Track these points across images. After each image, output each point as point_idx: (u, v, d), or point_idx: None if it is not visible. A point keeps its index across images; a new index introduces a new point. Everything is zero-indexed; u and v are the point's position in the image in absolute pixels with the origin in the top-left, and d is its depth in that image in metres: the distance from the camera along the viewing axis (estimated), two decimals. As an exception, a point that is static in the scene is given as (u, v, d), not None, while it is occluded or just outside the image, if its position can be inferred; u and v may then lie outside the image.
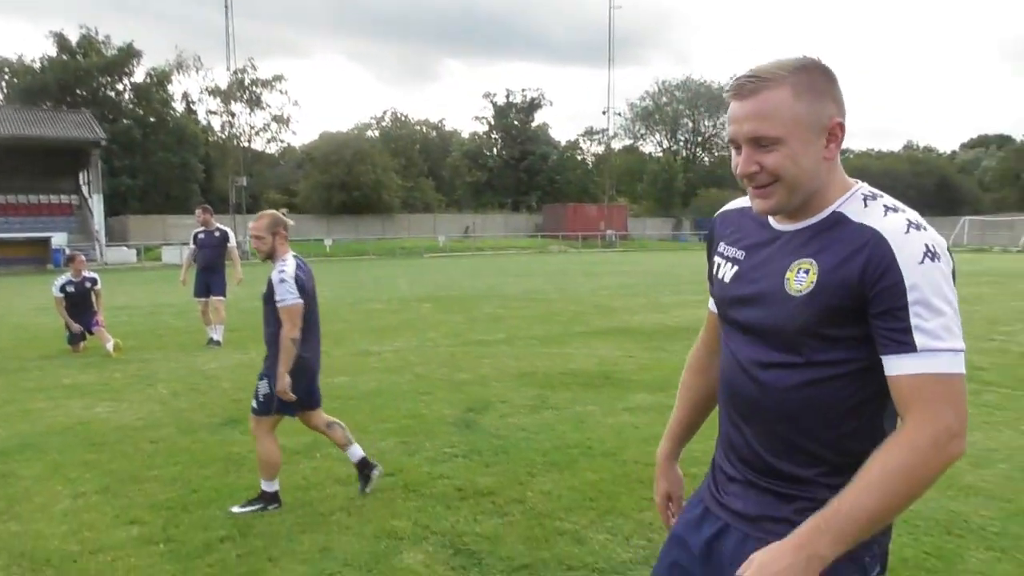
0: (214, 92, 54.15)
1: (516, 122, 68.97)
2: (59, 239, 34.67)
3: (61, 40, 48.99)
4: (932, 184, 72.03)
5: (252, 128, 56.70)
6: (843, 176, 1.56)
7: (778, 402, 1.55)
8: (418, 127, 75.51)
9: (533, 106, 69.71)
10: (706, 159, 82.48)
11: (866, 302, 1.43)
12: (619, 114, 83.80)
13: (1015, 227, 51.96)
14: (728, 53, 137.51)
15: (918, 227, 1.44)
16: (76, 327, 10.05)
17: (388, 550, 3.85)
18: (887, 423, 1.53)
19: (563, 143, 75.24)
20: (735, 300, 1.65)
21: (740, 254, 1.67)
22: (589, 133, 79.24)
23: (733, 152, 1.56)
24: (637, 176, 72.20)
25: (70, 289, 10.15)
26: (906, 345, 1.39)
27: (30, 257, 33.75)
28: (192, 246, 10.82)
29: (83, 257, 10.93)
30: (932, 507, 4.23)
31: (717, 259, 1.74)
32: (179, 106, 54.13)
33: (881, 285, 1.41)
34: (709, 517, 1.71)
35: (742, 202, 1.73)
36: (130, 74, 50.47)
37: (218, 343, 10.34)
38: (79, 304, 10.14)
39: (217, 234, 10.71)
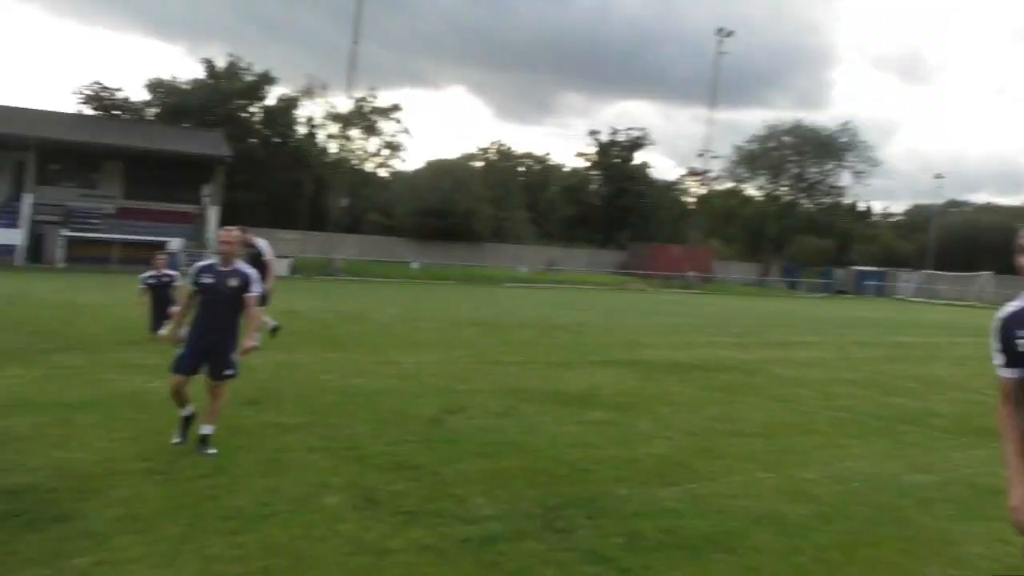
0: (335, 117, 57.84)
1: (617, 160, 70.23)
2: (175, 244, 37.97)
3: (210, 66, 54.28)
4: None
5: (365, 152, 60.11)
6: None
7: None
8: (523, 160, 77.83)
9: (636, 145, 70.85)
10: (808, 205, 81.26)
11: None
12: (716, 157, 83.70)
13: None
14: (860, 98, 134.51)
15: None
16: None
17: (314, 494, 5.15)
18: None
19: (662, 182, 76.00)
20: None
21: None
22: (692, 173, 79.71)
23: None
24: (733, 219, 72.07)
25: (151, 282, 12.11)
26: None
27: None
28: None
29: (162, 257, 12.85)
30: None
31: (1019, 344, 2.51)
32: (302, 128, 58.05)
33: None
34: None
35: (1018, 303, 2.56)
36: (263, 98, 55.11)
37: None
38: (158, 296, 12.02)
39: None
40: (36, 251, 37.16)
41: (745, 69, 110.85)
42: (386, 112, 58.87)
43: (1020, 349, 2.44)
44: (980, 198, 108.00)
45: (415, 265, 43.33)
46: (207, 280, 6.07)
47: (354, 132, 56.74)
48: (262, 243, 11.90)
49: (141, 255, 36.96)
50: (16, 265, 34.60)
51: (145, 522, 4.47)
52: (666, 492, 5.62)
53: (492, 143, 73.62)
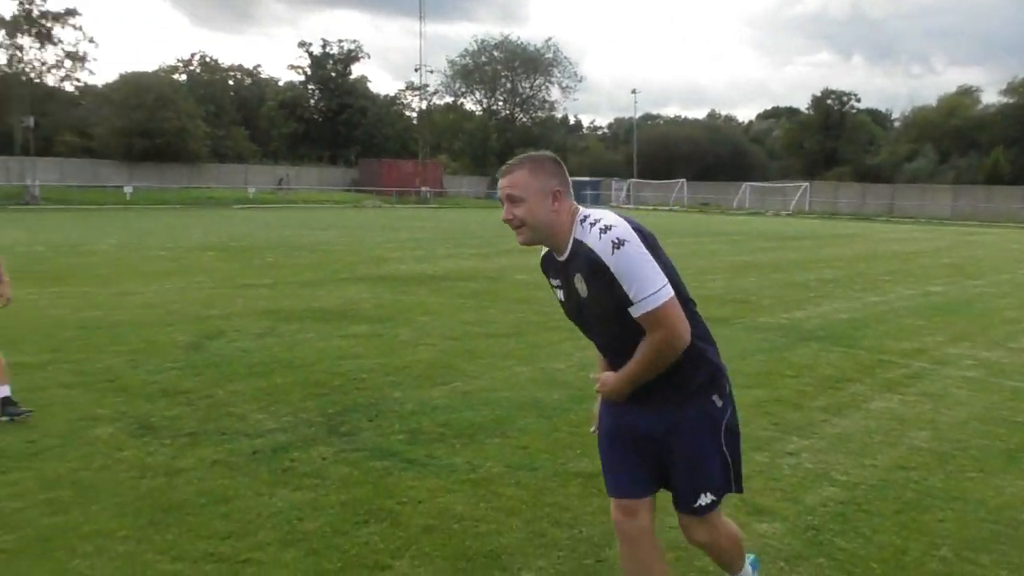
0: (-3, 22, 49.72)
1: (333, 74, 68.15)
2: None
3: None
4: (727, 151, 78.73)
5: (43, 64, 52.54)
6: (570, 211, 2.50)
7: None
8: (232, 73, 72.76)
9: (351, 58, 69.12)
10: (525, 119, 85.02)
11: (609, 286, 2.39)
12: (432, 71, 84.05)
13: (787, 193, 58.16)
14: (558, 16, 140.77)
15: (606, 230, 2.38)
16: None
17: (83, 427, 4.95)
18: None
19: (384, 96, 75.20)
20: (568, 311, 2.72)
21: (558, 282, 2.66)
22: (411, 88, 79.58)
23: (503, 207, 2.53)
24: (457, 134, 73.66)
25: None
26: (630, 301, 2.38)
27: None
28: None
29: None
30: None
31: (554, 287, 2.73)
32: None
33: (607, 276, 2.37)
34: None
35: (543, 250, 2.69)
36: None
37: None
38: None
39: None
40: None
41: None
42: (61, 17, 51.74)
43: (556, 295, 2.80)
44: (669, 112, 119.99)
45: (128, 189, 39.61)
46: None
47: (25, 41, 49.36)
48: None
49: None
50: None
51: None
52: (437, 392, 6.08)
53: (194, 55, 67.75)
